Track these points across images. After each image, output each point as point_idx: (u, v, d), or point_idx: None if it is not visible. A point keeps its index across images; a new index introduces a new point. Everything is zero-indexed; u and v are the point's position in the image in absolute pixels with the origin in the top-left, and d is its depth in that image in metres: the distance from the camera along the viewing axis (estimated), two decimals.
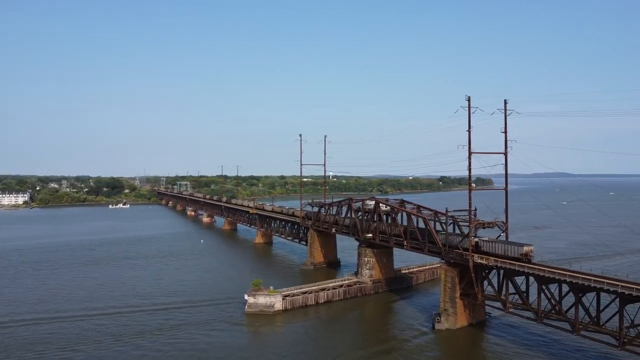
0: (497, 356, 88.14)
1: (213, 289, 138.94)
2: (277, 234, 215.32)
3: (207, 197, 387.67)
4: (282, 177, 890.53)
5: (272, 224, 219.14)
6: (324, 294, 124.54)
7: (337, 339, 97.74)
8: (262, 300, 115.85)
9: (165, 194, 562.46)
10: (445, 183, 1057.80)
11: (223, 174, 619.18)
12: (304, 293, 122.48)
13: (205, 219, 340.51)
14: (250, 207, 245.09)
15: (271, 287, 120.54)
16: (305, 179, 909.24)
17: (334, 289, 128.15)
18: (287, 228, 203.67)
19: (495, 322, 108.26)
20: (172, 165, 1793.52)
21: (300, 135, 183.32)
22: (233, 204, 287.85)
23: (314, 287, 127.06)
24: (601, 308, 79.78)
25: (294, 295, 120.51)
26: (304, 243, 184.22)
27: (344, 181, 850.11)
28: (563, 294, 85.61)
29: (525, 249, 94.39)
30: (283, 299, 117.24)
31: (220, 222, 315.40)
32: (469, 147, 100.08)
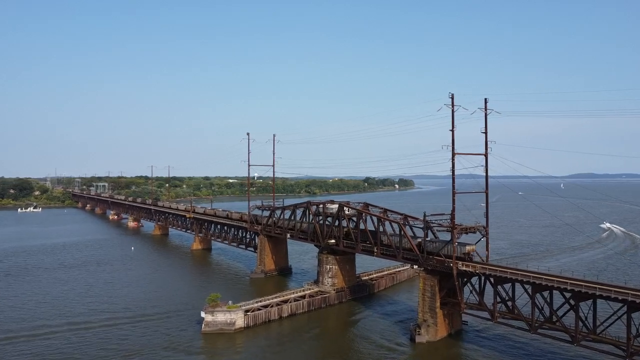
0: None
1: (157, 304, 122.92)
2: (218, 240, 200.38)
3: (131, 199, 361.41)
4: (207, 179, 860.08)
5: (213, 229, 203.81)
6: (288, 307, 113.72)
7: None
8: (221, 317, 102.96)
9: (83, 196, 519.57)
10: (370, 184, 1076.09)
11: (147, 175, 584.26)
12: (265, 307, 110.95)
13: (131, 224, 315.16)
14: (186, 211, 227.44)
15: (230, 302, 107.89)
16: (231, 180, 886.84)
17: (296, 300, 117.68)
18: (230, 233, 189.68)
19: (472, 330, 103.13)
20: (88, 165, 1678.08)
21: (248, 134, 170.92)
22: (166, 207, 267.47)
23: (275, 300, 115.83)
24: (600, 316, 76.40)
25: (255, 309, 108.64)
26: (252, 249, 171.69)
27: (270, 182, 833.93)
28: (557, 302, 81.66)
29: (468, 248, 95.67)
30: (245, 314, 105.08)
31: (149, 226, 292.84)
32: (453, 148, 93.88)
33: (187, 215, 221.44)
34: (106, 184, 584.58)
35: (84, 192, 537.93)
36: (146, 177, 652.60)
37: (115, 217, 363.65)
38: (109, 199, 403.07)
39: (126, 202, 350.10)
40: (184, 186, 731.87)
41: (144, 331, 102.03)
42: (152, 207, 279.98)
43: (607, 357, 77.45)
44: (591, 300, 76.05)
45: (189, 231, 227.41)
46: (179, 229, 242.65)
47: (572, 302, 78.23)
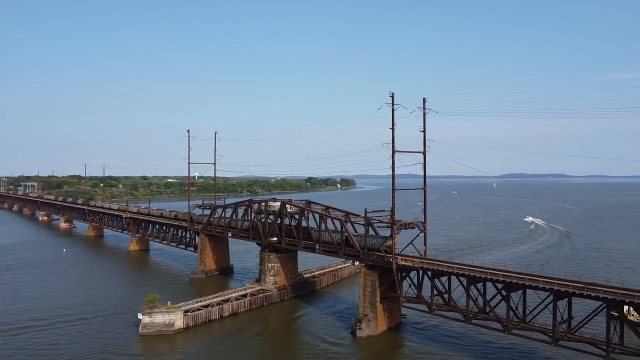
0: (430, 359, 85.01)
1: (91, 307, 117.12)
2: (156, 240, 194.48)
3: (61, 199, 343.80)
4: (145, 178, 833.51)
5: (151, 229, 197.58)
6: (229, 306, 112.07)
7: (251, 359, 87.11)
8: (159, 318, 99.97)
9: (9, 196, 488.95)
10: (313, 184, 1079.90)
11: (80, 175, 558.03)
12: (206, 306, 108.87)
13: (63, 225, 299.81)
14: (122, 211, 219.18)
15: (169, 303, 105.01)
16: (170, 180, 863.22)
17: (237, 299, 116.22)
18: (170, 233, 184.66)
19: (411, 323, 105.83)
20: (15, 164, 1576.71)
21: (189, 131, 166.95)
22: (99, 207, 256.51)
23: (215, 299, 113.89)
24: (529, 305, 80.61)
25: (195, 310, 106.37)
26: (192, 249, 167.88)
27: (211, 182, 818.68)
28: (490, 293, 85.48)
29: (389, 242, 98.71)
30: (184, 315, 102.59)
31: (83, 227, 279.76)
32: (393, 145, 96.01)
33: (124, 215, 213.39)
34: (35, 184, 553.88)
35: (11, 192, 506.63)
36: (79, 177, 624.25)
37: (46, 218, 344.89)
38: (38, 199, 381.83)
39: (57, 202, 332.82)
40: (120, 186, 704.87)
41: (77, 336, 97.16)
42: (85, 207, 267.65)
43: (536, 344, 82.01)
44: (521, 290, 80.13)
45: (125, 232, 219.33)
46: (114, 229, 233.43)
47: (503, 292, 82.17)
